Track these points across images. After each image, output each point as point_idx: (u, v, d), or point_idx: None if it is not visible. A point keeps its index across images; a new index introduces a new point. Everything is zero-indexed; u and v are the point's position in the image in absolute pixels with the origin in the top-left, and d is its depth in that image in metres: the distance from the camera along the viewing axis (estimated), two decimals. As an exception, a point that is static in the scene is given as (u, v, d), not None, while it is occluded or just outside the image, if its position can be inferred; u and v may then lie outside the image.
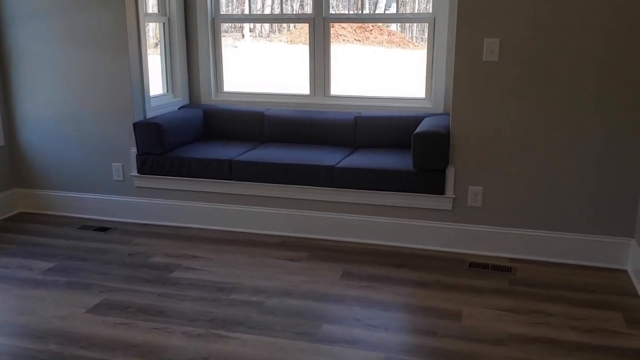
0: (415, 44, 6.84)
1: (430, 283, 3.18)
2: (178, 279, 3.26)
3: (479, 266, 3.39)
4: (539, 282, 3.18)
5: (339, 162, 3.77)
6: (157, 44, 4.61)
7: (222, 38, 4.63)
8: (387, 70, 6.97)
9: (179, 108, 4.55)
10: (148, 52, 4.14)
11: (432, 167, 3.51)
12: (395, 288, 3.13)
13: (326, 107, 4.40)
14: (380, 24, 7.03)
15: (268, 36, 7.21)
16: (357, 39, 7.32)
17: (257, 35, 7.19)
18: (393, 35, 7.56)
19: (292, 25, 4.87)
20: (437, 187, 3.53)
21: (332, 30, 4.35)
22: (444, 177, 3.52)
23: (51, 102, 4.17)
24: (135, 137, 4.02)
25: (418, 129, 3.57)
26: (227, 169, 3.90)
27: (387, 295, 3.05)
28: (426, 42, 4.20)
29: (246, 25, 6.75)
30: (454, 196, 3.53)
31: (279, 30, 7.27)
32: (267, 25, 7.08)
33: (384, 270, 3.34)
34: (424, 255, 3.56)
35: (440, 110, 4.13)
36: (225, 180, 3.93)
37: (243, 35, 7.00)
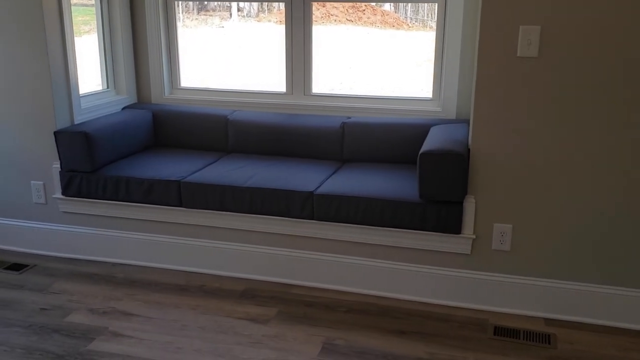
0: (410, 24, 6.12)
1: (444, 363, 2.31)
2: (97, 353, 2.36)
3: (506, 333, 2.52)
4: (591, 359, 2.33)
5: (319, 186, 2.86)
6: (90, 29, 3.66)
7: (208, 17, 3.67)
8: (384, 58, 6.04)
9: (123, 108, 3.61)
10: (81, 37, 3.19)
11: (444, 198, 2.61)
12: (396, 373, 2.25)
13: (306, 109, 3.48)
14: (374, 4, 6.12)
15: (257, 16, 6.47)
16: (349, 19, 6.54)
17: (246, 15, 6.42)
18: (387, 15, 6.85)
19: (282, 4, 4.10)
20: (451, 224, 2.64)
21: (323, 10, 3.43)
22: (461, 211, 2.63)
23: (-51, 102, 3.22)
24: (58, 150, 3.10)
25: (425, 146, 2.67)
26: (175, 193, 2.99)
27: (385, 386, 2.18)
28: (427, 25, 3.28)
29: (234, 4, 5.88)
30: (474, 236, 2.64)
31: (268, 9, 6.50)
32: (255, 5, 6.22)
33: (381, 341, 2.46)
34: (436, 315, 2.67)
35: (452, 116, 3.23)
36: (173, 207, 3.02)
37: (230, 15, 6.24)
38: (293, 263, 2.92)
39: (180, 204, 3.01)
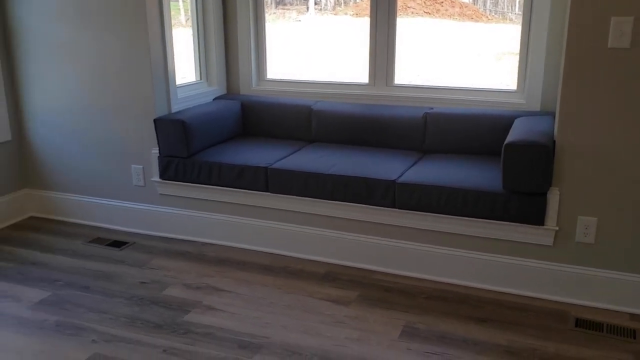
0: (489, 16, 6.02)
1: (524, 352, 2.34)
2: (193, 324, 2.56)
3: (588, 325, 2.51)
4: (679, 358, 2.29)
5: (401, 175, 2.94)
6: (187, 18, 3.89)
7: (286, 11, 3.83)
8: (463, 51, 5.99)
9: (214, 99, 3.82)
10: (178, 31, 3.41)
11: (528, 189, 2.63)
12: (477, 359, 2.31)
13: (389, 99, 3.56)
14: (453, -5, 6.07)
15: (334, 9, 6.58)
16: (426, 11, 6.51)
17: (322, 8, 6.56)
18: (465, 7, 6.75)
19: (358, -4, 4.17)
20: (534, 216, 2.65)
21: (400, 2, 3.49)
22: (544, 203, 2.63)
23: (61, 92, 3.53)
24: (157, 136, 3.33)
25: (510, 137, 2.69)
26: (262, 178, 3.16)
27: (465, 369, 2.24)
28: (507, 17, 3.26)
29: (311, -2, 6.03)
30: (557, 228, 2.64)
31: (344, 2, 6.60)
32: (332, -3, 6.35)
33: (461, 327, 2.52)
34: (515, 305, 2.70)
35: (537, 108, 3.21)
36: (260, 191, 3.19)
37: (307, 8, 6.39)
38: (373, 249, 3.02)
39: (267, 189, 3.17)
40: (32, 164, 3.76)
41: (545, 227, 2.65)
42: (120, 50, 3.30)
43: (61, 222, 3.74)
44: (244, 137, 3.71)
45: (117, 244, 3.41)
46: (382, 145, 3.43)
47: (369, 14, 3.54)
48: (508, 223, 2.71)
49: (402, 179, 2.89)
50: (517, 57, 3.28)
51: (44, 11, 3.41)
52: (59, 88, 3.53)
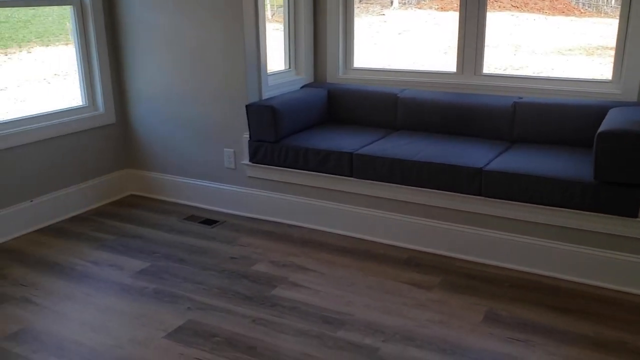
0: (582, 10, 5.79)
1: (612, 344, 2.30)
2: (279, 298, 2.68)
3: (683, 323, 2.42)
4: None
5: (488, 163, 2.94)
6: (273, 13, 4.02)
7: (369, 5, 3.91)
8: (554, 42, 5.81)
9: (302, 87, 3.94)
10: (268, 21, 3.55)
11: (621, 180, 2.56)
12: (562, 348, 2.29)
13: (476, 88, 3.54)
14: (546, -13, 5.88)
15: (418, 3, 6.56)
16: (514, 5, 6.35)
17: (407, 2, 6.55)
18: (556, 1, 6.51)
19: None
20: (626, 207, 2.58)
21: (488, -5, 3.46)
22: (638, 195, 2.55)
23: (161, 78, 3.76)
24: (248, 121, 3.49)
25: (603, 126, 2.62)
26: (347, 164, 3.24)
27: (552, 358, 2.23)
28: (602, 10, 3.16)
29: (397, -8, 6.04)
30: (651, 221, 2.56)
31: None
32: (417, -9, 6.33)
33: (545, 316, 2.50)
34: (603, 298, 2.64)
35: (634, 98, 3.10)
36: (345, 176, 3.27)
37: (392, 2, 6.41)
38: (456, 237, 3.03)
39: (351, 174, 3.25)
40: (133, 146, 4.03)
41: (638, 219, 2.57)
42: (217, 40, 3.47)
43: (158, 200, 4.00)
44: (330, 124, 3.80)
45: (209, 222, 3.60)
46: (469, 134, 3.43)
47: (454, 7, 3.53)
48: (598, 214, 2.65)
49: (489, 167, 2.89)
50: (611, 52, 3.18)
51: (150, 2, 3.65)
52: (159, 75, 3.76)
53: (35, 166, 3.47)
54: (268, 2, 4.18)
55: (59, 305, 2.65)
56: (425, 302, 2.63)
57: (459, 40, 3.57)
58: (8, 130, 3.30)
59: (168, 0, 3.57)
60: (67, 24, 3.93)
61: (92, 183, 3.85)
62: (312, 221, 3.47)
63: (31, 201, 3.47)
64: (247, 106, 3.46)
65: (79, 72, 3.77)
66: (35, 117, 3.48)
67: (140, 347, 2.32)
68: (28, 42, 4.14)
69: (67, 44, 4.02)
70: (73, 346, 2.34)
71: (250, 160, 3.57)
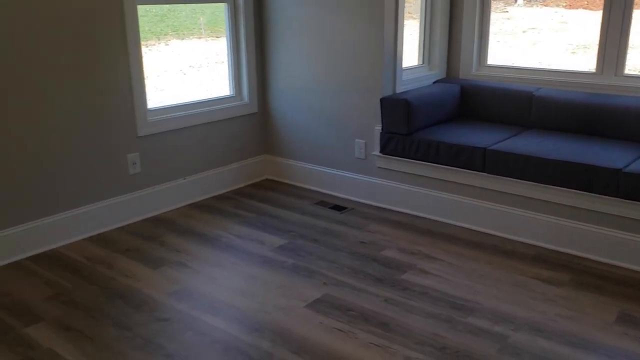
0: None
1: None
2: (409, 283, 2.83)
3: None
4: None
5: (628, 165, 2.89)
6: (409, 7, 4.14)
7: (492, 2, 3.96)
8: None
9: (434, 82, 4.05)
10: (406, 17, 3.69)
11: None
12: (699, 353, 2.24)
13: (617, 89, 3.46)
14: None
15: (544, 0, 6.37)
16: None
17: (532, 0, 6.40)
18: None
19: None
20: None
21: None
22: None
23: (299, 71, 4.02)
24: (381, 114, 3.65)
25: None
26: (480, 159, 3.30)
27: (687, 362, 2.20)
28: None
29: (522, -11, 5.93)
30: None
31: None
32: (544, -12, 6.16)
33: (683, 322, 2.45)
34: None
35: None
36: (476, 171, 3.34)
37: (516, 0, 6.29)
38: (589, 237, 3.01)
39: (483, 169, 3.31)
40: (271, 134, 4.34)
41: None
42: (357, 35, 3.66)
43: (291, 185, 4.28)
44: (462, 119, 3.88)
45: (338, 208, 3.82)
46: (608, 135, 3.37)
47: (584, 4, 3.46)
48: None
49: (629, 169, 2.84)
50: None
51: (297, 0, 3.91)
52: (298, 68, 4.03)
53: (189, 148, 3.86)
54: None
55: (210, 271, 2.97)
56: (554, 298, 2.66)
57: (600, 40, 3.50)
58: (167, 115, 3.71)
59: (313, -2, 3.82)
60: (201, 18, 4.30)
61: (234, 166, 4.20)
62: (439, 214, 3.57)
63: (184, 179, 3.87)
64: (381, 99, 3.62)
65: (228, 65, 4.13)
66: (191, 104, 3.87)
67: (284, 313, 2.57)
68: (165, 35, 4.49)
69: (199, 38, 4.38)
70: (224, 307, 2.63)
71: (380, 152, 3.73)
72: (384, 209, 3.80)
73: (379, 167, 3.79)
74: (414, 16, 4.12)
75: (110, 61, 3.31)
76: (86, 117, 3.26)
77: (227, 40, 4.09)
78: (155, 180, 3.69)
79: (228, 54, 4.10)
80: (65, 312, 2.58)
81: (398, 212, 3.73)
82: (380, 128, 3.71)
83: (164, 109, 3.72)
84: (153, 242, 3.31)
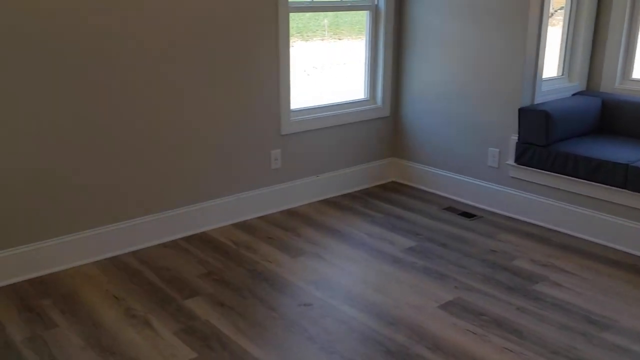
0: None
1: None
2: (541, 293, 2.83)
3: None
4: None
5: None
6: (551, 15, 4.08)
7: None
8: None
9: (573, 95, 3.97)
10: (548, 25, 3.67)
11: None
12: None
13: None
14: None
15: None
16: None
17: None
18: None
19: None
20: None
21: None
22: None
23: (434, 77, 4.11)
24: (519, 124, 3.65)
25: None
26: (621, 175, 3.22)
27: None
28: None
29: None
30: None
31: None
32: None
33: None
34: None
35: None
36: (617, 188, 3.26)
37: None
38: None
39: (624, 186, 3.22)
40: (401, 137, 4.46)
41: None
42: (498, 45, 3.69)
43: (417, 189, 4.37)
44: (603, 134, 3.78)
45: (467, 215, 3.86)
46: None
47: None
48: None
49: None
50: None
51: (437, 10, 4.01)
52: (433, 75, 4.11)
53: (323, 148, 4.07)
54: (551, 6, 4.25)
55: (344, 264, 3.14)
56: (702, 325, 2.56)
57: None
58: (307, 116, 3.94)
59: (453, 5, 3.88)
60: (325, 20, 4.46)
61: (363, 167, 4.37)
62: (574, 228, 3.51)
63: (317, 176, 4.09)
64: (520, 109, 3.62)
65: (365, 70, 4.30)
66: (329, 106, 4.08)
67: (417, 311, 2.68)
68: (291, 36, 4.71)
69: (322, 40, 4.54)
70: (360, 299, 2.79)
71: (515, 162, 3.73)
72: (515, 219, 3.79)
73: (512, 177, 3.79)
74: (554, 22, 4.05)
75: (261, 64, 3.59)
76: (237, 115, 3.56)
77: (365, 45, 4.26)
78: (292, 175, 3.94)
79: (365, 59, 4.28)
80: (217, 289, 2.86)
81: (530, 223, 3.71)
82: (516, 138, 3.71)
83: (305, 110, 3.95)
84: (291, 232, 3.55)
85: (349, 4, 4.07)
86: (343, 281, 2.96)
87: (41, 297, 2.78)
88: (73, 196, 3.04)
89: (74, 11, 2.84)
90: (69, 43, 2.86)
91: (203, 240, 3.44)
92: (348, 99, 4.23)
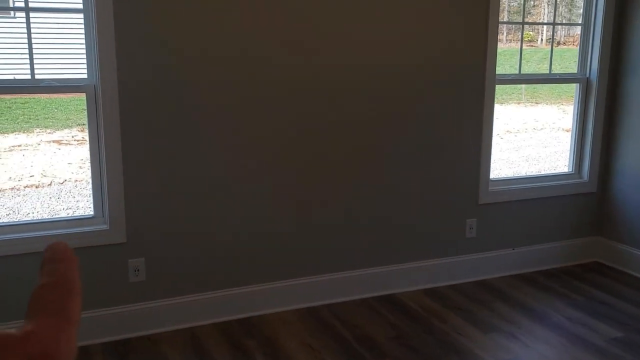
0: None
1: None
2: None
3: None
4: None
5: None
6: None
7: None
8: None
9: None
10: None
11: None
12: None
13: None
14: None
15: None
16: None
17: None
18: None
19: None
20: None
21: None
22: None
23: (656, 155, 3.80)
24: None
25: None
26: None
27: None
28: None
29: None
30: None
31: None
32: None
33: None
34: None
35: None
36: None
37: None
38: None
39: None
40: (608, 215, 4.16)
41: None
42: None
43: (625, 273, 4.02)
44: None
45: (685, 310, 3.45)
46: None
47: None
48: None
49: None
50: None
51: (656, 82, 3.75)
52: (653, 152, 3.80)
53: (520, 220, 3.96)
54: None
55: (540, 347, 2.99)
56: None
57: None
58: (506, 187, 3.88)
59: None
60: (522, 85, 4.32)
61: (563, 243, 4.14)
62: None
63: (513, 249, 3.97)
64: None
65: (571, 142, 4.13)
66: (529, 178, 3.98)
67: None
68: None
69: (518, 103, 4.41)
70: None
71: None
72: None
73: None
74: None
75: (464, 132, 3.65)
76: (437, 180, 3.64)
77: (572, 118, 4.10)
78: (486, 246, 3.88)
79: (572, 132, 4.11)
80: (406, 354, 2.91)
81: None
82: None
83: (503, 180, 3.90)
84: (483, 306, 3.48)
85: (558, 77, 3.98)
86: (538, 366, 2.82)
87: (247, 337, 3.07)
88: (286, 246, 3.35)
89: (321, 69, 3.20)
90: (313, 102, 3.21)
91: (392, 302, 3.52)
92: (551, 172, 4.09)
